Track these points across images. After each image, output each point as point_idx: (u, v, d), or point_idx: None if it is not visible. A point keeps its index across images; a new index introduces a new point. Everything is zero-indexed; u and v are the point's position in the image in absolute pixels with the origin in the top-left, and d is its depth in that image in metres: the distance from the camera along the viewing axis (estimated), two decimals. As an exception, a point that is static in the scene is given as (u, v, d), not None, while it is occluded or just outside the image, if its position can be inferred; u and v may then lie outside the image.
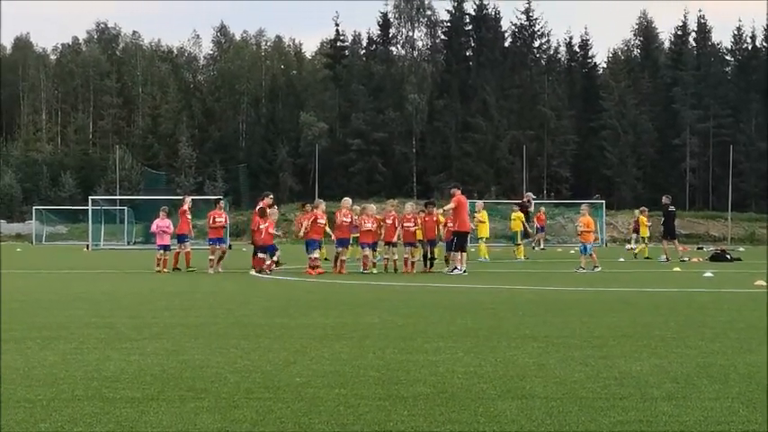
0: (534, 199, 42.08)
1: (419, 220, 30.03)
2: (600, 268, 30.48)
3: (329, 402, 7.59)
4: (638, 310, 16.00)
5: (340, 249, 29.81)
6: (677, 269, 31.49)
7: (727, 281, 24.86)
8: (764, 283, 22.23)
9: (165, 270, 30.11)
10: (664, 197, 40.96)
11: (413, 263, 29.65)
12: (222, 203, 32.78)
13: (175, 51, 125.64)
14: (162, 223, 31.69)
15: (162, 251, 30.68)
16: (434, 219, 30.23)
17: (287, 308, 16.57)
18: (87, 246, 59.71)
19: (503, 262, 38.05)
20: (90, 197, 68.13)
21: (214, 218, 31.24)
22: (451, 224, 29.30)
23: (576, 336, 12.06)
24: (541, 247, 54.86)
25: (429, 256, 30.23)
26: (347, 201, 31.12)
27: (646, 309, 16.38)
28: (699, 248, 54.14)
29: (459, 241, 28.89)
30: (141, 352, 10.48)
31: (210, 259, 30.41)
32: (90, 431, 6.63)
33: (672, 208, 40.72)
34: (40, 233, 75.41)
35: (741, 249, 46.59)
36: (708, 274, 26.88)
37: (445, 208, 29.75)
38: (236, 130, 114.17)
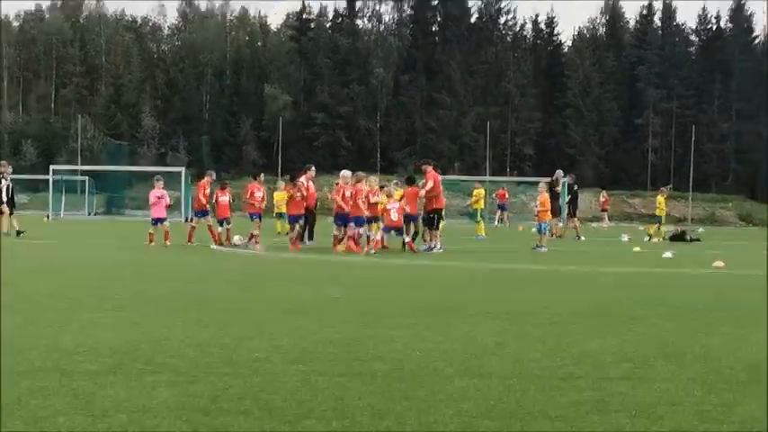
0: (563, 178, 41.30)
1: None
2: (545, 249, 29.60)
3: (287, 378, 7.59)
4: (597, 290, 16.11)
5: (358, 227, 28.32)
6: (637, 249, 31.67)
7: (686, 261, 25.03)
8: (723, 264, 22.41)
9: (156, 244, 28.31)
10: (567, 176, 41.59)
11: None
12: (262, 177, 31.71)
13: (140, 21, 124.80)
14: (158, 193, 30.05)
15: (157, 224, 29.29)
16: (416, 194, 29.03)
17: (247, 282, 16.56)
18: (48, 216, 59.32)
19: (465, 239, 38.14)
20: (51, 166, 67.60)
21: (253, 192, 29.93)
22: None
23: (535, 314, 12.11)
24: (505, 223, 55.13)
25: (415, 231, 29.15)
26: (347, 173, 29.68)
27: (604, 288, 16.49)
28: (654, 228, 54.37)
29: (437, 219, 28.85)
30: (100, 325, 10.44)
31: (255, 234, 29.05)
32: (47, 404, 6.60)
33: (576, 187, 41.63)
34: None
35: (701, 230, 46.91)
36: (667, 254, 27.05)
37: (427, 188, 28.81)
38: (199, 102, 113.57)
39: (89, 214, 68.86)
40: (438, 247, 28.02)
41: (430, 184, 28.48)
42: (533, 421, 6.34)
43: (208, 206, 31.21)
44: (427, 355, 8.73)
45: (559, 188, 41.61)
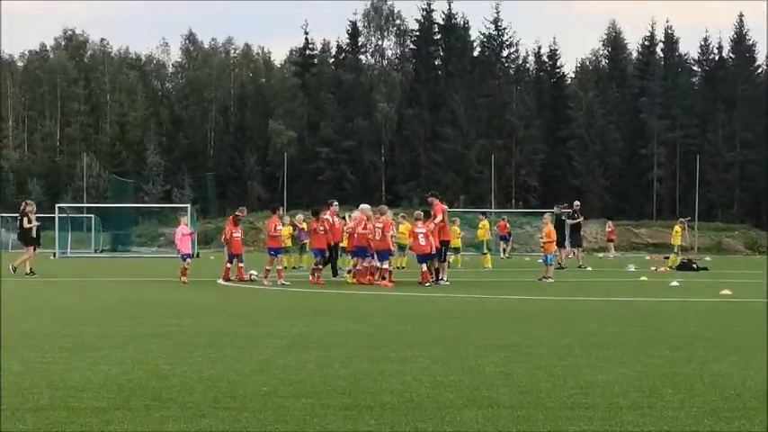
0: (565, 208, 42.15)
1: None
2: (552, 280, 29.50)
3: (295, 412, 7.58)
4: (605, 320, 16.07)
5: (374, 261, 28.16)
6: (644, 278, 31.61)
7: (693, 290, 25.00)
8: (730, 293, 22.36)
9: (185, 280, 28.03)
10: (555, 207, 41.76)
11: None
12: (281, 211, 31.63)
13: (144, 59, 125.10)
14: (185, 230, 29.69)
15: (186, 259, 28.78)
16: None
17: (254, 317, 16.54)
18: (54, 254, 59.35)
19: (471, 271, 38.10)
20: (57, 205, 67.68)
21: (275, 226, 29.57)
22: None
23: (543, 345, 12.09)
24: (507, 255, 55.11)
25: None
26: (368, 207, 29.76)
27: (612, 318, 16.45)
28: (666, 258, 54.32)
29: (445, 251, 28.87)
30: (107, 361, 10.43)
31: (267, 269, 28.71)
32: (54, 441, 6.59)
33: (563, 217, 41.60)
34: (6, 241, 74.82)
35: (708, 259, 46.86)
36: (674, 283, 27.02)
37: (437, 221, 28.67)
38: (204, 138, 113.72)
39: (95, 252, 68.81)
40: (445, 279, 27.99)
41: (440, 218, 28.45)
42: (543, 452, 6.32)
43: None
44: (436, 388, 8.71)
45: (580, 219, 42.04)
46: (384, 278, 27.36)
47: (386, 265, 27.79)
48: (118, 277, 31.34)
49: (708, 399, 8.25)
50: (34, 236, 34.44)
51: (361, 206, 29.84)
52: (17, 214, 36.05)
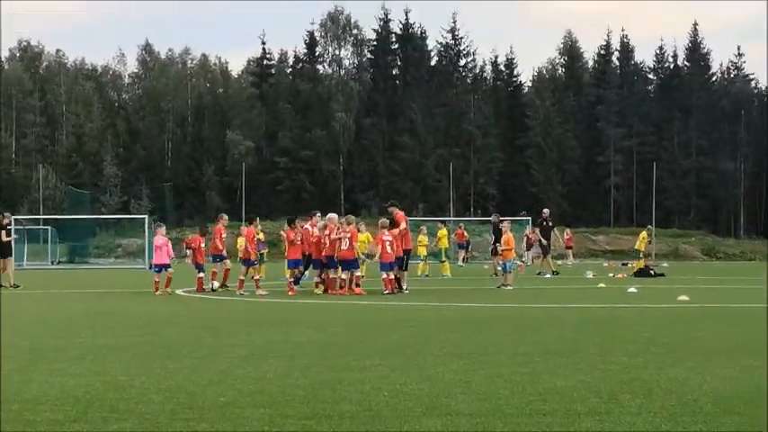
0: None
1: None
2: (511, 287, 29.66)
3: (254, 422, 7.55)
4: (563, 326, 16.13)
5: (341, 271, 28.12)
6: (602, 285, 31.76)
7: (651, 296, 25.15)
8: (687, 298, 22.53)
9: (164, 291, 27.67)
10: (492, 216, 42.33)
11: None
12: (257, 222, 31.37)
13: (100, 70, 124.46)
14: (162, 240, 29.32)
15: (161, 271, 28.50)
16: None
17: (214, 327, 16.47)
18: (10, 266, 58.76)
19: (430, 279, 38.18)
20: (13, 216, 67.06)
21: (253, 236, 29.60)
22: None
23: (502, 352, 12.12)
24: (464, 263, 55.30)
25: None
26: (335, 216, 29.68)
27: (570, 325, 16.51)
28: (623, 264, 54.68)
29: (407, 259, 28.97)
30: (64, 373, 10.35)
31: (242, 279, 28.45)
32: (10, 454, 6.53)
33: (500, 226, 42.08)
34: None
35: (665, 265, 47.22)
36: (632, 289, 27.18)
37: (401, 228, 28.44)
38: (161, 149, 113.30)
39: (52, 263, 68.29)
40: (405, 288, 28.03)
41: (404, 225, 28.56)
42: (502, 458, 6.33)
43: (224, 251, 31.03)
44: (395, 396, 8.70)
45: (550, 224, 42.58)
46: (358, 285, 27.44)
47: (358, 273, 27.85)
48: (75, 289, 31.11)
49: (665, 404, 8.29)
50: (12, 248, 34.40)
51: (329, 215, 29.77)
52: None
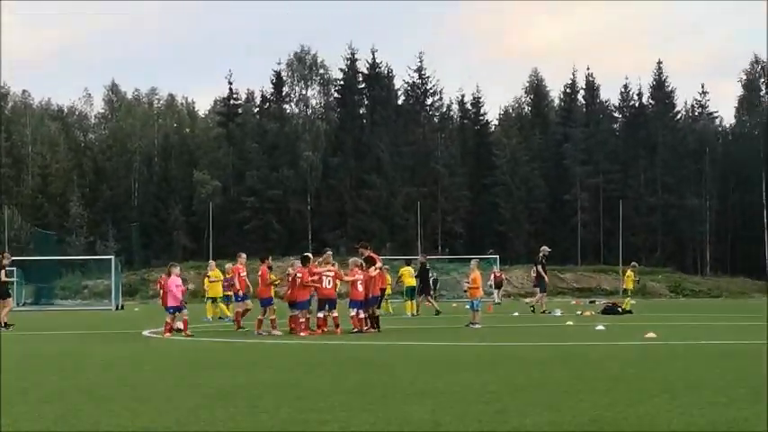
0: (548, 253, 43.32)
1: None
2: (479, 326, 29.52)
3: (221, 464, 7.47)
4: (532, 365, 16.11)
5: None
6: (570, 323, 31.80)
7: (618, 334, 25.19)
8: (654, 335, 22.58)
9: (186, 335, 26.54)
10: (420, 256, 42.85)
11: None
12: (269, 260, 29.55)
13: (66, 110, 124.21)
14: (177, 281, 27.88)
15: (174, 312, 27.24)
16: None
17: (179, 368, 16.35)
18: (-25, 308, 58.32)
19: (395, 318, 38.09)
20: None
21: (267, 275, 28.34)
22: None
23: (471, 391, 12.07)
24: (498, 301, 55.53)
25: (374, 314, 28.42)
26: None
27: (539, 363, 16.50)
28: (591, 302, 54.88)
29: (381, 298, 29.74)
30: (27, 417, 10.21)
31: (272, 319, 27.46)
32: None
33: (428, 266, 43.21)
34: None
35: (632, 302, 47.27)
36: (600, 327, 27.21)
37: (378, 265, 28.44)
38: (127, 189, 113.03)
39: (17, 305, 67.74)
40: (377, 327, 28.03)
41: (380, 263, 28.75)
42: (471, 499, 6.28)
43: (244, 290, 30.85)
44: (363, 436, 8.64)
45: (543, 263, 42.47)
46: (338, 325, 27.08)
47: (335, 313, 27.35)
48: (41, 330, 30.83)
49: (634, 441, 8.27)
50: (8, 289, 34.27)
51: (304, 255, 29.54)
52: None
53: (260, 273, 28.66)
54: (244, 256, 32.82)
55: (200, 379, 14.20)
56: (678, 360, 16.97)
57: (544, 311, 40.60)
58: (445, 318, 38.60)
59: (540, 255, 42.96)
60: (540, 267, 42.32)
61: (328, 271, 27.63)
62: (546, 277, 42.85)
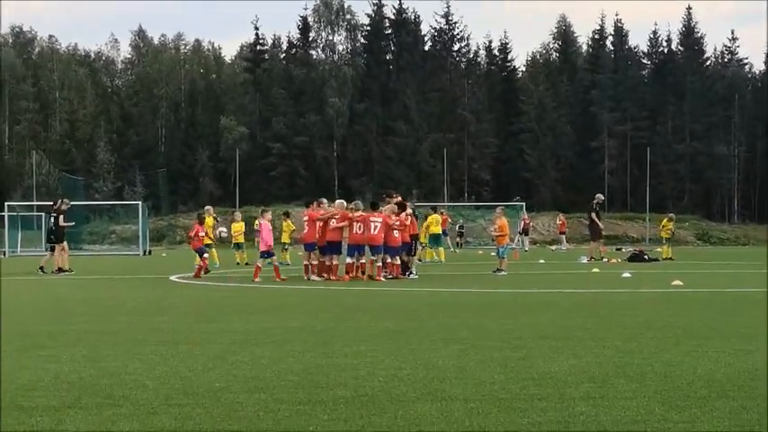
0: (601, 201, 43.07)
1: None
2: (505, 273, 29.64)
3: (248, 407, 7.54)
4: (557, 311, 16.14)
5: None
6: (596, 270, 31.78)
7: (644, 281, 25.18)
8: (681, 283, 22.55)
9: (281, 280, 26.41)
10: (409, 202, 42.46)
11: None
12: (324, 202, 29.36)
13: (93, 56, 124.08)
14: (269, 226, 27.62)
15: (266, 257, 27.23)
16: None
17: (207, 313, 16.46)
18: (4, 252, 58.81)
19: (422, 264, 38.15)
20: (6, 203, 67.05)
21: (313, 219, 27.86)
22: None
23: (496, 337, 12.12)
24: (452, 249, 55.24)
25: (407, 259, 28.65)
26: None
27: (565, 310, 16.53)
28: (617, 249, 54.73)
29: (415, 244, 29.68)
30: (58, 359, 10.33)
31: (314, 264, 27.38)
32: (4, 441, 6.52)
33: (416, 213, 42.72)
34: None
35: (659, 250, 47.15)
36: (626, 274, 27.20)
37: (408, 212, 28.68)
38: (155, 135, 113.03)
39: (46, 250, 68.21)
40: (414, 273, 28.10)
41: (409, 210, 29.10)
42: (496, 443, 6.32)
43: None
44: (389, 381, 8.70)
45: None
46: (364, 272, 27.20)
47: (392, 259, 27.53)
48: (69, 275, 31.04)
49: (659, 388, 8.30)
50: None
51: (337, 202, 29.58)
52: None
53: (306, 217, 28.29)
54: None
55: (228, 324, 14.31)
56: (704, 308, 16.96)
57: (602, 258, 40.13)
58: (471, 264, 38.65)
59: (594, 202, 42.45)
60: (594, 215, 41.88)
61: (377, 217, 27.46)
62: (601, 225, 42.25)
